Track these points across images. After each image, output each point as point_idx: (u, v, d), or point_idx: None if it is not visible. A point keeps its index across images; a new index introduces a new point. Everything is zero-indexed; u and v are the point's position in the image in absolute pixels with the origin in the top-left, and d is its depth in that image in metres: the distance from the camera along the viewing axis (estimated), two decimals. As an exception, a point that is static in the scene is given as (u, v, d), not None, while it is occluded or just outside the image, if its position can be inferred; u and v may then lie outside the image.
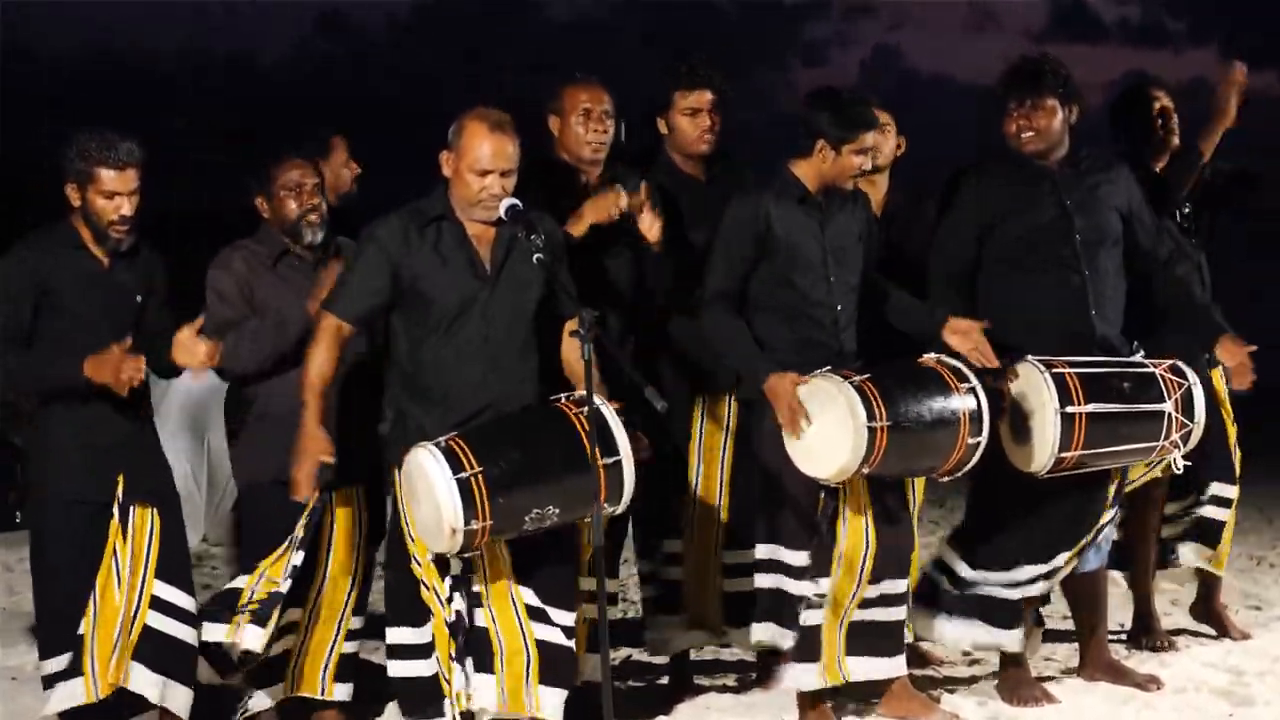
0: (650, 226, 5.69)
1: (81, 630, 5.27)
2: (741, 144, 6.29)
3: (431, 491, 4.88)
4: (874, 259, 5.85)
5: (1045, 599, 6.15)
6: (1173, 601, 7.09)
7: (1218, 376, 6.63)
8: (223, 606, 5.43)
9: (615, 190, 5.66)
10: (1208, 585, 6.94)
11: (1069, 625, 6.57)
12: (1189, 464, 6.14)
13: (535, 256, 5.02)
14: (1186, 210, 6.59)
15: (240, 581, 5.48)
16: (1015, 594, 5.93)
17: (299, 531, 5.41)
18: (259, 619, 5.37)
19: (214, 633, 5.42)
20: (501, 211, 5.13)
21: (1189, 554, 6.79)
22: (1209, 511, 6.74)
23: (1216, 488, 6.72)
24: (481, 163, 5.11)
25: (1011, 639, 5.97)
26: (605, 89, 5.84)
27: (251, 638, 5.38)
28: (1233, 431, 6.75)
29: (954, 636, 6.07)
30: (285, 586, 5.40)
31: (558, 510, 4.96)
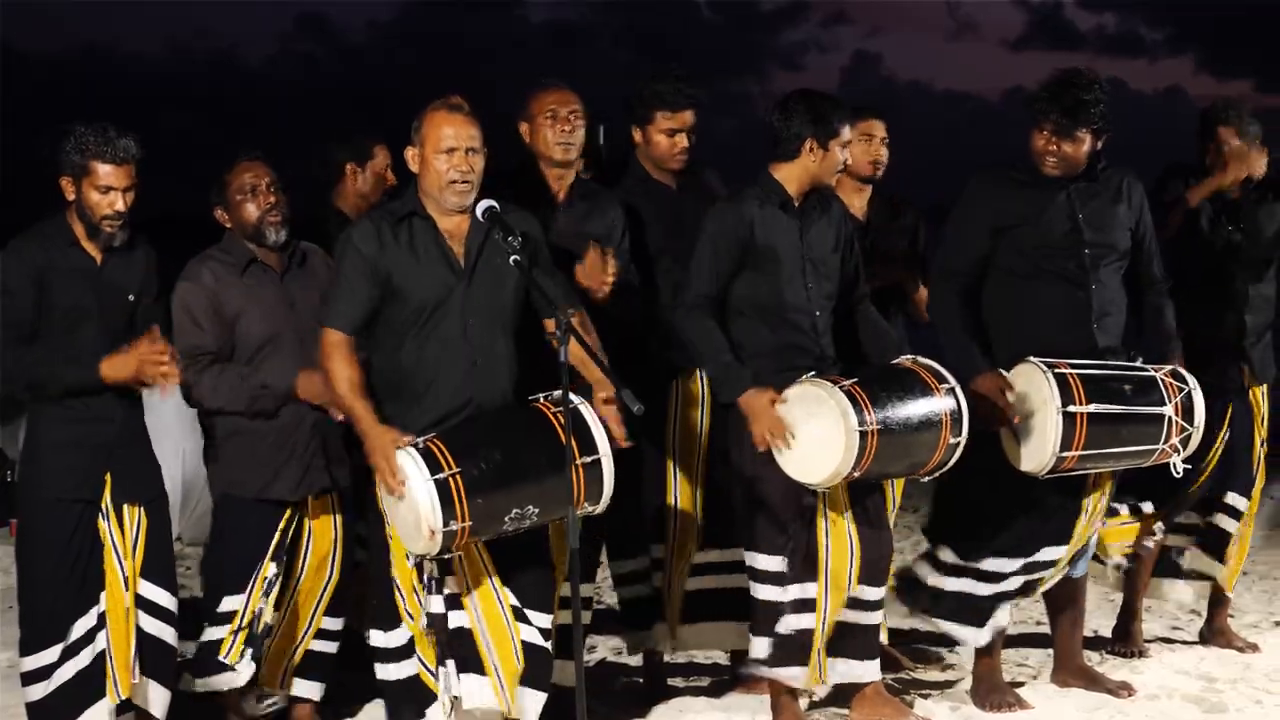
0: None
1: (99, 637, 5.30)
2: (719, 150, 6.31)
3: (410, 493, 4.88)
4: (858, 271, 5.86)
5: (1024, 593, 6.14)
6: (1146, 609, 7.10)
7: (1258, 394, 6.67)
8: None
9: (608, 260, 5.64)
10: (1214, 605, 6.92)
11: (1043, 630, 6.59)
12: (1213, 476, 6.40)
13: (512, 259, 5.02)
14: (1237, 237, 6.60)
15: (233, 604, 5.55)
16: (990, 589, 5.95)
17: (269, 566, 5.53)
18: (255, 655, 5.54)
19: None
20: (479, 214, 5.13)
21: (1195, 561, 6.80)
22: (1221, 521, 6.74)
23: (1232, 498, 6.72)
24: (445, 142, 5.12)
25: (977, 636, 5.99)
26: (572, 92, 5.86)
27: (245, 671, 5.54)
28: (1260, 452, 6.75)
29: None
30: (269, 613, 5.55)
31: (537, 510, 4.96)
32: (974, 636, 5.99)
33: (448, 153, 5.12)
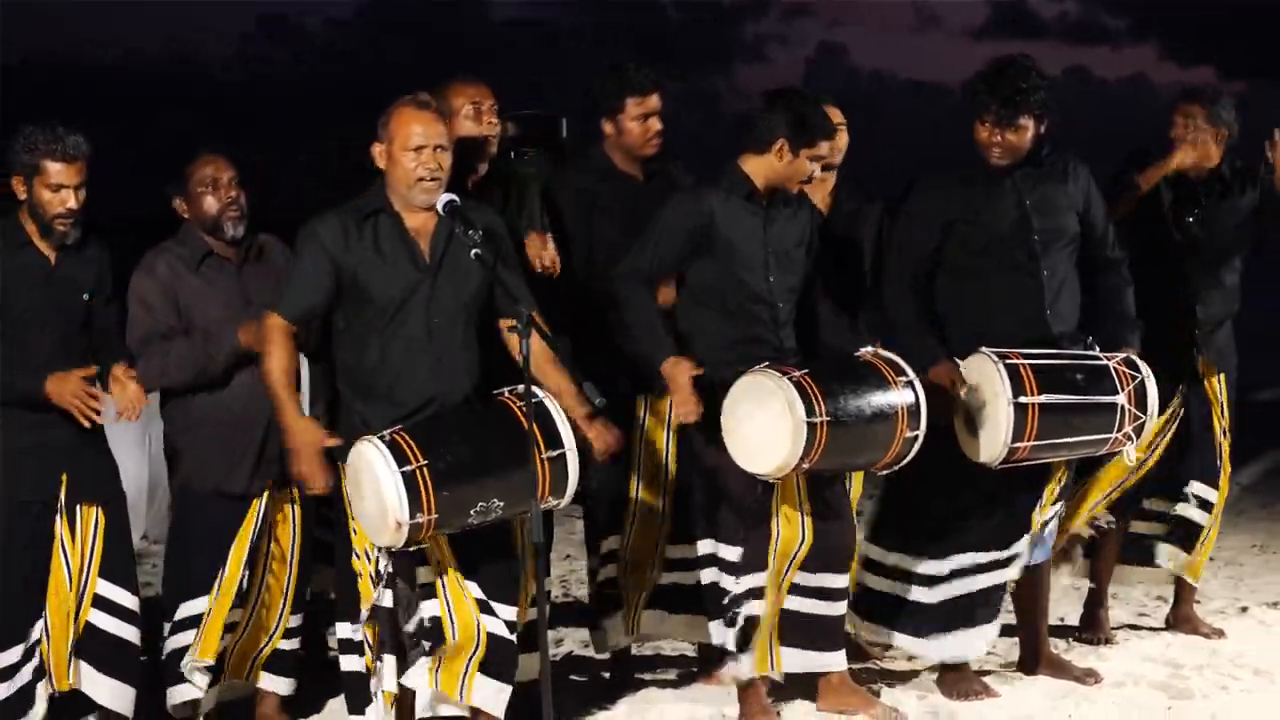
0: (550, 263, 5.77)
1: (37, 634, 5.30)
2: (684, 143, 6.31)
3: (376, 485, 4.87)
4: (820, 267, 5.87)
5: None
6: (1113, 595, 7.13)
7: (1214, 382, 6.68)
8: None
9: (543, 238, 5.73)
10: (1180, 592, 6.94)
11: (1009, 619, 6.60)
12: (1174, 461, 6.43)
13: (474, 253, 5.02)
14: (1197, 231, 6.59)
15: (199, 605, 5.54)
16: (928, 593, 6.00)
17: (240, 568, 5.52)
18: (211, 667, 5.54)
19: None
20: (439, 207, 5.13)
21: (1164, 555, 6.80)
22: (1189, 512, 6.75)
23: (1198, 488, 6.73)
24: (414, 139, 5.12)
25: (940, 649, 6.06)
26: (488, 86, 5.89)
27: (201, 681, 5.54)
28: (1222, 441, 6.74)
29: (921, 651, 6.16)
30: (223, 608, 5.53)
31: (502, 504, 4.96)
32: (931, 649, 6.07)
33: (416, 150, 5.12)
